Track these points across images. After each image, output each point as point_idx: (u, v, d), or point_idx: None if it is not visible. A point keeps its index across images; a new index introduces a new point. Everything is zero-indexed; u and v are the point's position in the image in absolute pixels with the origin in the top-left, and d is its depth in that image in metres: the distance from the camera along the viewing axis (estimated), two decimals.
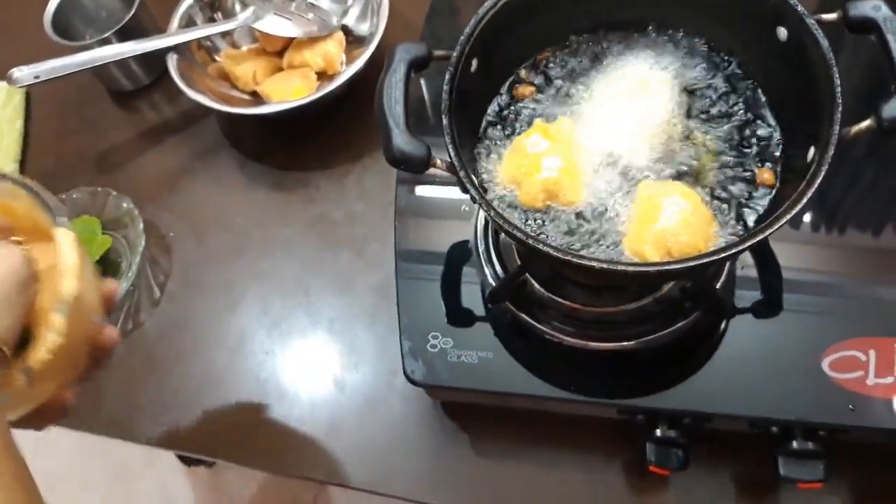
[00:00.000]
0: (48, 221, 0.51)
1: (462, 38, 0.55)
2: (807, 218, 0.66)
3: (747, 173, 0.56)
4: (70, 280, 0.48)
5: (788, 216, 0.46)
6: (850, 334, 0.59)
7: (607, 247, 0.55)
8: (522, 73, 0.63)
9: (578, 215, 0.56)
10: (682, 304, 0.62)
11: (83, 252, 0.50)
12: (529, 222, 0.57)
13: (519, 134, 0.60)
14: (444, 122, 0.53)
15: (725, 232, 0.54)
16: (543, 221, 0.56)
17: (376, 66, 0.78)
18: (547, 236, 0.56)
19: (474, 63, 0.57)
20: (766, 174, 0.56)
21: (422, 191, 0.73)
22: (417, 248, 0.70)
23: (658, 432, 0.59)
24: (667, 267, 0.47)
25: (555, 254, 0.48)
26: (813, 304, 0.62)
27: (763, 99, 0.59)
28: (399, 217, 0.71)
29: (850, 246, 0.65)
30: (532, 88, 0.62)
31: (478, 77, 0.58)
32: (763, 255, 0.64)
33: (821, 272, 0.64)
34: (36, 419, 0.49)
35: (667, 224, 0.52)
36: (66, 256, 0.49)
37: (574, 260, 0.47)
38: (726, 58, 0.61)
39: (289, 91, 0.86)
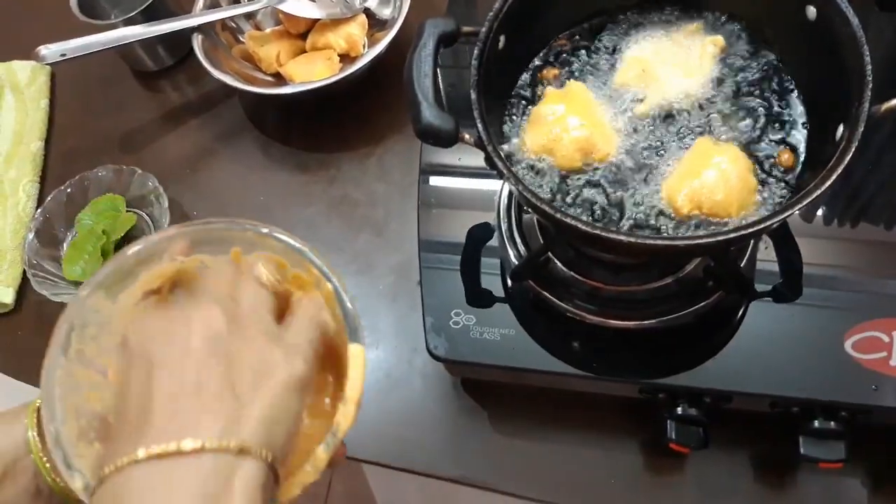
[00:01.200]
0: (342, 324, 0.45)
1: (491, 14, 0.56)
2: (828, 199, 0.66)
3: (770, 151, 0.56)
4: (351, 412, 0.42)
5: (818, 192, 0.46)
6: (873, 315, 0.59)
7: (640, 204, 0.56)
8: (549, 52, 0.64)
9: (615, 172, 0.58)
10: (704, 284, 0.62)
11: None
12: (570, 184, 0.58)
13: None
14: (473, 96, 0.53)
15: (764, 205, 0.55)
16: (583, 181, 0.58)
17: (398, 49, 0.79)
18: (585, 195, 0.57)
19: (502, 40, 0.57)
20: (785, 155, 0.56)
21: (444, 181, 0.74)
22: (440, 230, 0.71)
23: (679, 410, 0.59)
24: (694, 241, 0.47)
25: (582, 227, 0.48)
26: (834, 286, 0.62)
27: (791, 78, 0.59)
28: (422, 204, 0.71)
29: (871, 227, 0.64)
30: (556, 71, 0.63)
31: (505, 54, 0.58)
32: (783, 237, 0.64)
33: (841, 254, 0.64)
34: None
35: (707, 179, 0.54)
36: (354, 384, 0.43)
37: (602, 234, 0.48)
38: (755, 37, 0.61)
39: (312, 73, 0.87)
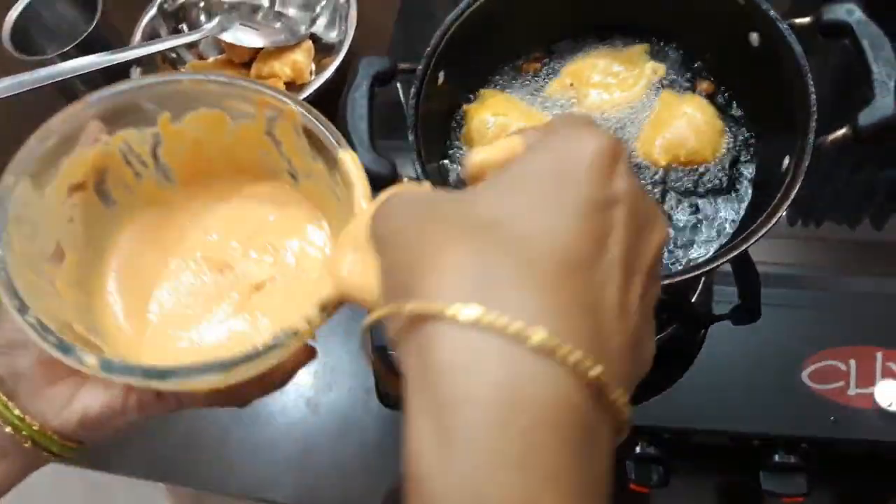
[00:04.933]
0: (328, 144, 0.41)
1: (427, 50, 0.54)
2: (784, 224, 0.65)
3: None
4: (365, 199, 0.39)
5: (765, 230, 0.45)
6: (830, 343, 0.58)
7: None
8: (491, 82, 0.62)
9: None
10: (658, 316, 0.61)
11: None
12: None
13: None
14: (411, 138, 0.52)
15: (733, 145, 0.57)
16: None
17: (346, 75, 0.76)
18: None
19: (441, 76, 0.55)
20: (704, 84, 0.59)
21: None
22: None
23: (637, 449, 0.58)
24: None
25: None
26: (792, 312, 0.61)
27: (737, 105, 0.58)
28: None
29: (828, 254, 0.64)
30: (536, 65, 0.63)
31: (445, 88, 0.56)
32: (739, 262, 0.63)
33: (800, 280, 0.64)
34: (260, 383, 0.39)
35: (678, 129, 0.56)
36: (355, 176, 0.40)
37: None
38: (699, 63, 0.60)
39: None
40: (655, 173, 0.56)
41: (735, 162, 0.56)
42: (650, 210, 0.28)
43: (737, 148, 0.57)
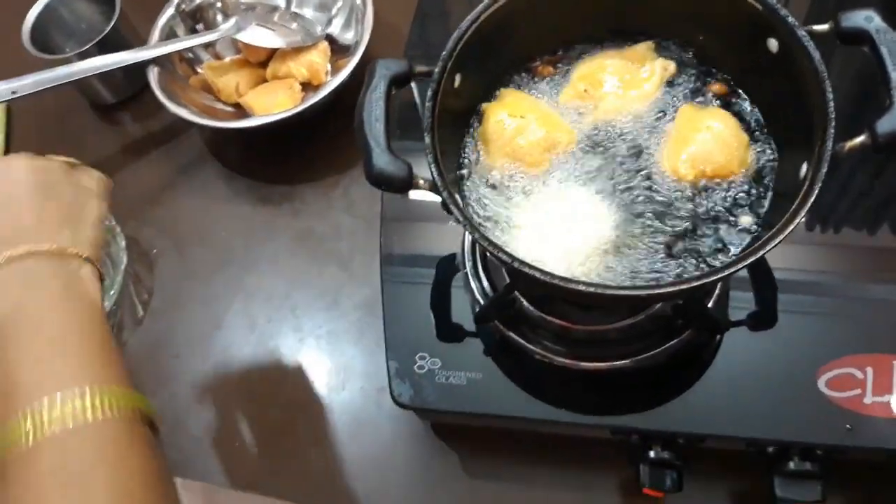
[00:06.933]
0: None
1: (444, 53, 0.54)
2: (801, 232, 0.64)
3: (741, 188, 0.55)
4: None
5: (781, 237, 0.45)
6: (847, 351, 0.57)
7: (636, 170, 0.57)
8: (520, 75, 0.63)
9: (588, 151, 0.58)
10: (675, 321, 0.60)
11: None
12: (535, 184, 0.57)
13: None
14: (427, 140, 0.51)
15: (761, 158, 0.56)
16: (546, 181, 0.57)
17: (362, 76, 0.77)
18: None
19: (457, 78, 0.55)
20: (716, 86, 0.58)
21: (407, 215, 0.72)
22: (404, 263, 0.69)
23: (651, 454, 0.58)
24: (656, 291, 0.45)
25: (540, 277, 0.46)
26: (808, 319, 0.61)
27: (754, 111, 0.57)
28: (385, 229, 0.70)
29: (845, 260, 0.63)
30: (551, 69, 0.62)
31: (462, 91, 0.56)
32: (756, 268, 0.63)
33: (816, 287, 0.63)
34: None
35: (704, 143, 0.55)
36: None
37: (559, 283, 0.46)
38: (716, 69, 0.59)
39: (273, 104, 0.85)
40: (682, 187, 0.55)
41: (761, 171, 0.55)
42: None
43: (761, 157, 0.56)
